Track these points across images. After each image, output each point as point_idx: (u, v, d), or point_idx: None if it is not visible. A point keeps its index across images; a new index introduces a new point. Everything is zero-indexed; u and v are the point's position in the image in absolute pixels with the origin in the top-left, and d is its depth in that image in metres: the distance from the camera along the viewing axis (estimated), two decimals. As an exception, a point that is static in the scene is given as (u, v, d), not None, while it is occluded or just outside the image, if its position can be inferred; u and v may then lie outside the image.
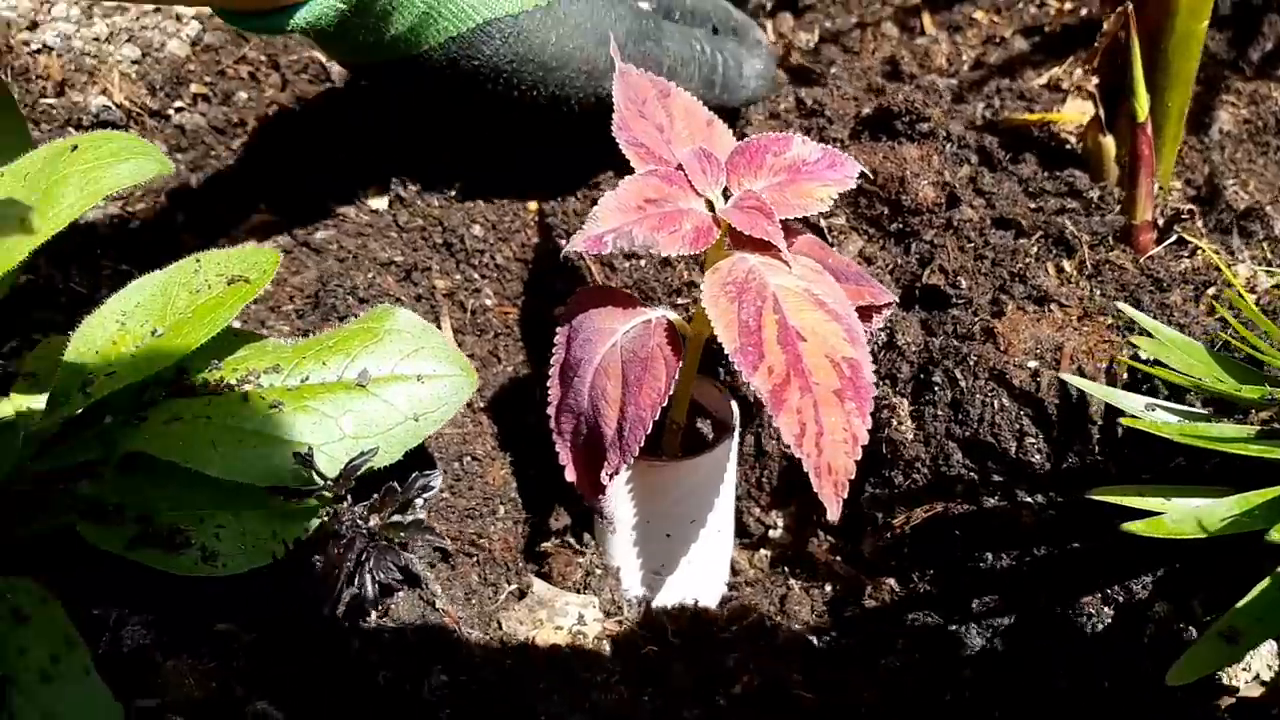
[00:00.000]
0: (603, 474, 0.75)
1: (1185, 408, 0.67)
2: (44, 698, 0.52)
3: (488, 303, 1.06)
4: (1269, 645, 0.63)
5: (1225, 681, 0.62)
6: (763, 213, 0.71)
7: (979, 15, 1.35)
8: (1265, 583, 0.56)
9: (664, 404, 0.71)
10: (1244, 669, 0.62)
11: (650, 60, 0.95)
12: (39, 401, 0.73)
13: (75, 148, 0.72)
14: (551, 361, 0.81)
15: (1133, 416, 0.67)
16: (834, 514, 0.65)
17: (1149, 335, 0.69)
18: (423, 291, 1.04)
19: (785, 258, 0.71)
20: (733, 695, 0.75)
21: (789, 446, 0.64)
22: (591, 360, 0.78)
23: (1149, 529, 0.58)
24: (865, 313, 0.80)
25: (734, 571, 0.95)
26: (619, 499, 0.85)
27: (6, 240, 0.63)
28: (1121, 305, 0.77)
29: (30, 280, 1.00)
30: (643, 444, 0.71)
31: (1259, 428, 0.61)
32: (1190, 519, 0.58)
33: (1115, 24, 0.95)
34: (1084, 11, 1.31)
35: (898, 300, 0.85)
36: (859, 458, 0.66)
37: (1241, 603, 0.56)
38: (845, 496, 0.65)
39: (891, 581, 0.82)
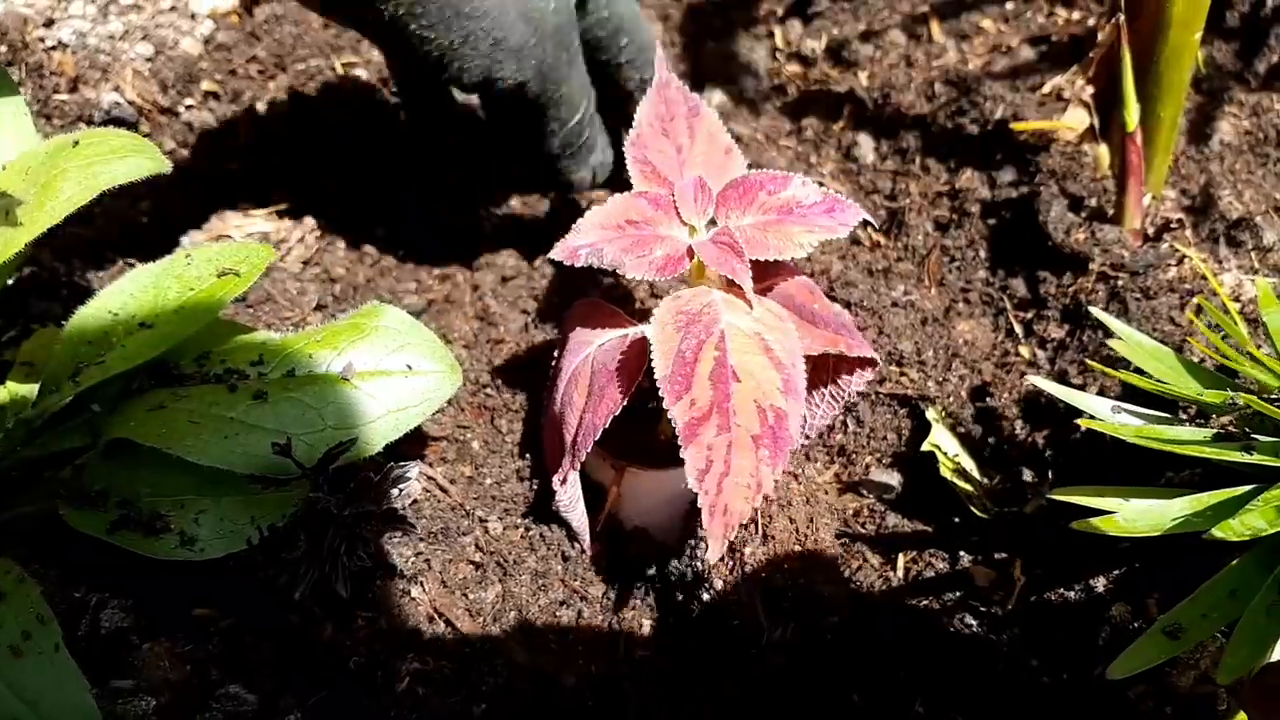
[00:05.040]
0: (554, 479, 0.76)
1: (1150, 411, 0.67)
2: (12, 672, 0.54)
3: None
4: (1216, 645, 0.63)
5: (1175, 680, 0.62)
6: (733, 250, 0.71)
7: (986, 24, 1.35)
8: (1206, 586, 0.57)
9: (615, 411, 0.71)
10: (1190, 666, 0.62)
11: (544, 73, 0.85)
12: (32, 390, 0.75)
13: (77, 143, 0.74)
14: (550, 372, 0.83)
15: (1094, 419, 0.68)
16: (715, 553, 0.64)
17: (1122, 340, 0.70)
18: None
19: (749, 297, 0.71)
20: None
21: (690, 479, 0.64)
22: (567, 370, 0.79)
23: (1103, 526, 0.59)
24: (840, 364, 0.81)
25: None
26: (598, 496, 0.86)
27: (4, 233, 0.65)
28: (1094, 310, 0.77)
29: (34, 272, 1.02)
30: (588, 451, 0.72)
31: (1217, 431, 0.61)
32: (1143, 518, 0.58)
33: (1109, 35, 0.95)
34: (1091, 21, 1.30)
35: (879, 361, 0.84)
36: (758, 505, 0.65)
37: (1187, 600, 0.57)
38: (731, 539, 0.64)
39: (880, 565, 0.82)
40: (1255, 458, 0.58)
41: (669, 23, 1.43)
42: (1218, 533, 0.53)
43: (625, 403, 0.71)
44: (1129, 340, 0.69)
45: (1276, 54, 1.24)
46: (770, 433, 0.66)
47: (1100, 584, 0.68)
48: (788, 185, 0.76)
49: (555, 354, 0.84)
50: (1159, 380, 0.65)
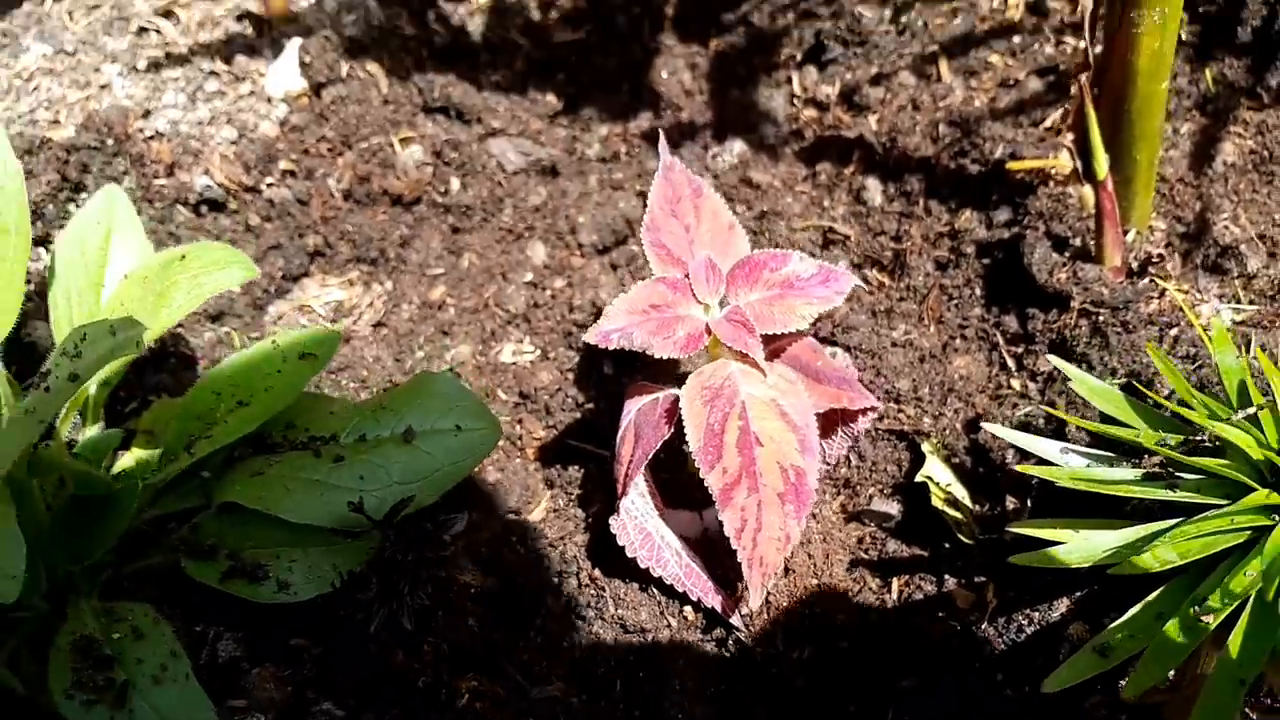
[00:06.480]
0: (620, 501, 0.88)
1: (1095, 451, 0.76)
2: (154, 697, 0.69)
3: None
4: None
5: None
6: (746, 328, 0.82)
7: (994, 59, 1.40)
8: (1137, 608, 0.65)
9: (652, 451, 0.82)
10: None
11: None
12: (154, 454, 0.90)
13: (184, 257, 0.89)
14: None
15: (1036, 460, 0.76)
16: (755, 602, 0.76)
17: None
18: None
19: (762, 368, 0.82)
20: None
21: (729, 538, 0.75)
22: (620, 431, 0.91)
23: (1039, 561, 0.68)
24: (846, 415, 0.91)
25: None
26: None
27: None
28: (1050, 356, 0.86)
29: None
30: (635, 480, 0.83)
31: (1146, 471, 0.70)
32: (1077, 551, 0.67)
33: (1079, 91, 1.02)
34: (1099, 49, 1.36)
35: (880, 406, 0.94)
36: (788, 555, 0.76)
37: (1115, 623, 0.66)
38: (770, 587, 0.75)
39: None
40: (1179, 495, 0.67)
41: (696, 70, 1.54)
42: (1130, 566, 0.62)
43: (662, 440, 0.82)
44: (1079, 382, 0.78)
45: (1289, 70, 1.28)
46: (793, 489, 0.77)
47: (1063, 605, 0.77)
48: (787, 262, 0.87)
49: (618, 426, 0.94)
50: (1100, 423, 0.74)
